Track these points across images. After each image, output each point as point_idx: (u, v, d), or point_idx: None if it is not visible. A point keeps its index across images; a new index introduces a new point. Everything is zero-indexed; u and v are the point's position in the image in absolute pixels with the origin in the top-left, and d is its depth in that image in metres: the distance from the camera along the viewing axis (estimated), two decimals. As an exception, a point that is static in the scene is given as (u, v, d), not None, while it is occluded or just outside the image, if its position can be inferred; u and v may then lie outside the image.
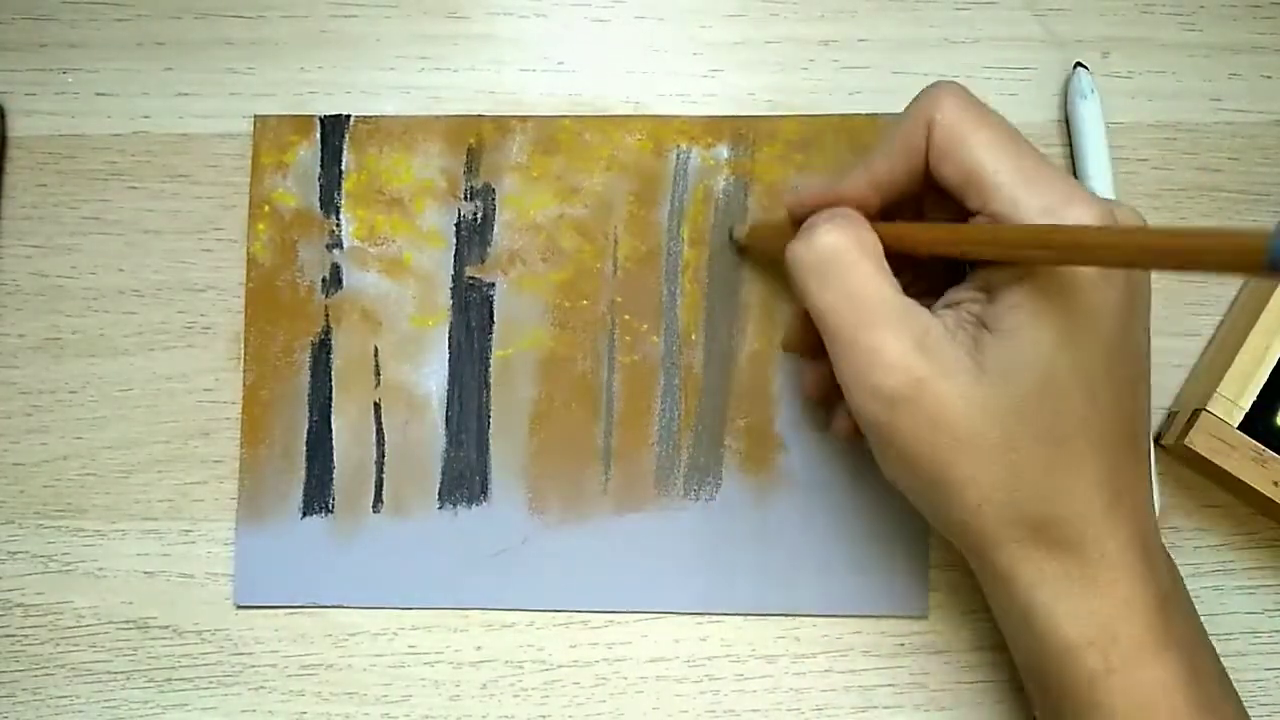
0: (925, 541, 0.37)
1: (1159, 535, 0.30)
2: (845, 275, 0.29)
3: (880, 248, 0.30)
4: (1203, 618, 0.31)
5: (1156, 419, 0.37)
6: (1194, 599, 0.31)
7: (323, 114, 0.39)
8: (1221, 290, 0.37)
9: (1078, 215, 0.27)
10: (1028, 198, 0.27)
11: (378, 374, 0.38)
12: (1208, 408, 0.34)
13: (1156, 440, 0.37)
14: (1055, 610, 0.28)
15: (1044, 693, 0.30)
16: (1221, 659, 0.30)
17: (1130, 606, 0.28)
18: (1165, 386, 0.37)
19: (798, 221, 0.32)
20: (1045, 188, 0.27)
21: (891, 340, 0.28)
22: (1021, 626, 0.30)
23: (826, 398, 0.35)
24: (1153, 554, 0.29)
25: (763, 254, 0.38)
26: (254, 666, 0.37)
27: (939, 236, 0.30)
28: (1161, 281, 0.37)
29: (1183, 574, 0.31)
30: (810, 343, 0.33)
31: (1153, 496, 0.30)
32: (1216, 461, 0.34)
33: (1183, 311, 0.37)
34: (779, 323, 0.37)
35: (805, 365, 0.35)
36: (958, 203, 0.29)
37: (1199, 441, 0.34)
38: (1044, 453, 0.28)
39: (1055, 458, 0.28)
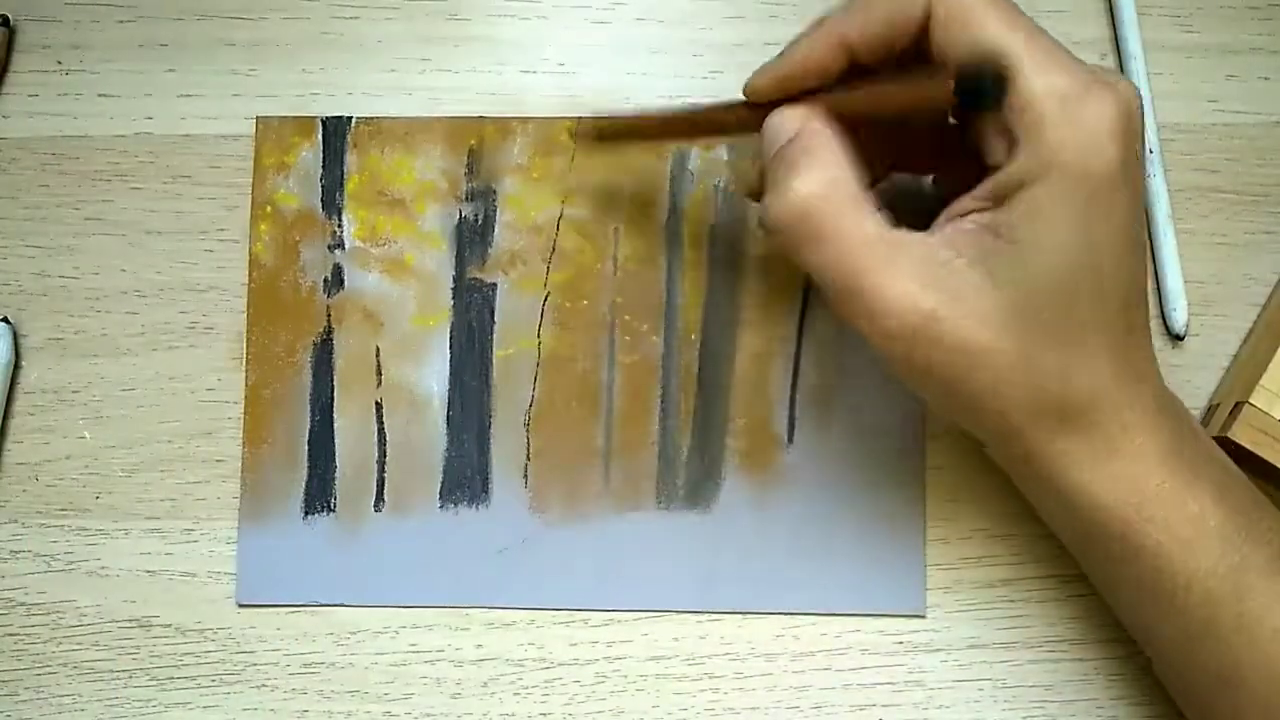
0: (922, 540, 0.37)
1: (1160, 378, 0.31)
2: (828, 226, 0.28)
3: (847, 164, 0.28)
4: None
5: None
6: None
7: (324, 115, 0.39)
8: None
9: (1097, 104, 0.27)
10: (1044, 85, 0.27)
11: (379, 374, 0.38)
12: (1250, 400, 0.33)
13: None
14: (1086, 484, 0.29)
15: (1086, 555, 0.32)
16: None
17: (1151, 458, 0.29)
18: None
19: (755, 110, 0.30)
20: (1060, 74, 0.27)
21: (890, 282, 0.28)
22: (1055, 505, 0.31)
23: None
24: (1161, 402, 0.30)
25: (626, 144, 0.37)
26: (256, 665, 0.37)
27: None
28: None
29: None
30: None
31: (1150, 341, 0.30)
32: (1259, 454, 0.33)
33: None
34: (779, 323, 0.38)
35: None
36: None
37: (1241, 434, 0.34)
38: (1059, 347, 0.28)
39: (1070, 349, 0.28)
